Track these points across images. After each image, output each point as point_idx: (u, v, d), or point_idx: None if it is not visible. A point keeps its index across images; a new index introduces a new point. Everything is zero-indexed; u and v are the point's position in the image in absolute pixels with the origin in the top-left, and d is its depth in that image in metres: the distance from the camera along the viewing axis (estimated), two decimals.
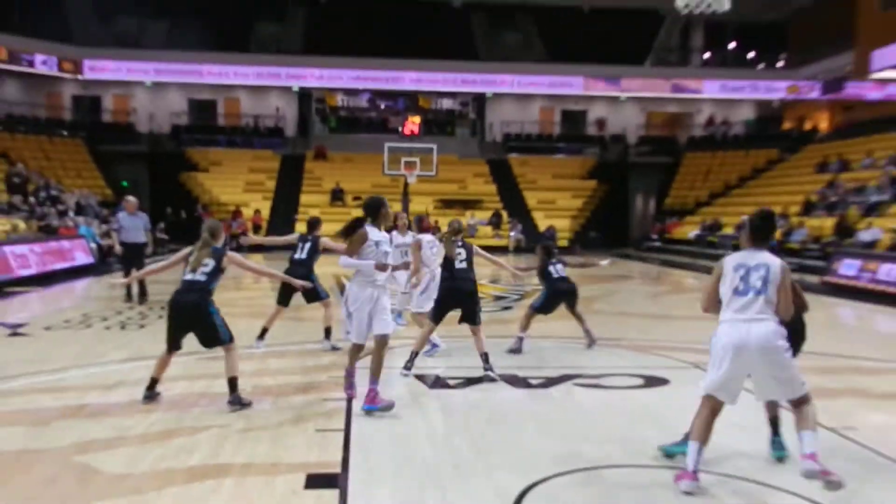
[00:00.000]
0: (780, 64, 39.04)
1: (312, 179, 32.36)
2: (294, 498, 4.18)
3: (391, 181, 29.02)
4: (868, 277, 15.33)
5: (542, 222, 30.51)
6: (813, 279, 17.31)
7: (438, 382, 7.15)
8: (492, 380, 7.18)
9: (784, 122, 39.24)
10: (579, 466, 4.80)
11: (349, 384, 6.24)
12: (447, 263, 7.62)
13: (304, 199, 30.64)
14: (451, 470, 4.77)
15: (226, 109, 36.01)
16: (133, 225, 12.81)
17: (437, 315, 7.65)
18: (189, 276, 6.11)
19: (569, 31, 36.58)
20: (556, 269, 9.13)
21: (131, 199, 13.28)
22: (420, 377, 7.30)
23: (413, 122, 31.56)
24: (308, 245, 8.72)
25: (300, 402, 6.34)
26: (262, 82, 34.96)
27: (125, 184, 30.43)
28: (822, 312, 13.43)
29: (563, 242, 27.92)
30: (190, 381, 6.87)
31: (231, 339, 6.16)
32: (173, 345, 6.19)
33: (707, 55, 40.08)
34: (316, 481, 4.49)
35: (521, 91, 36.17)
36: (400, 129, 32.30)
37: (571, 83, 35.91)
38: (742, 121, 37.63)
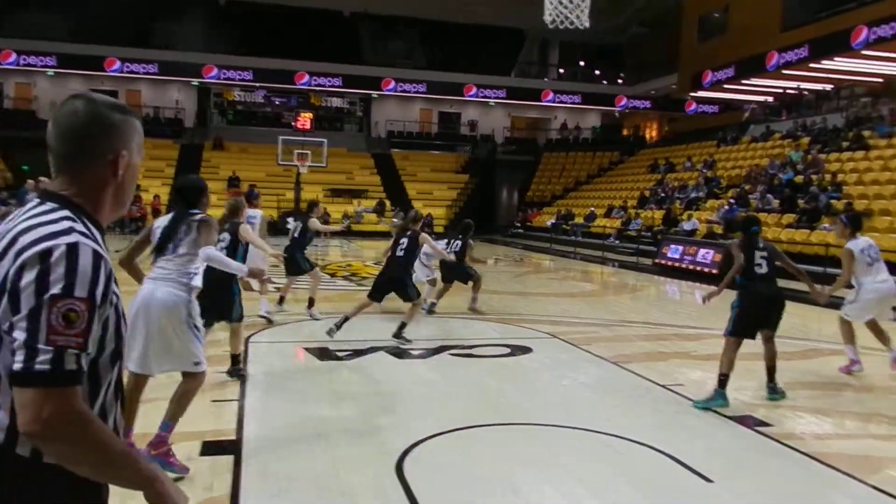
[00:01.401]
0: (619, 81, 40.63)
1: (210, 168, 30.91)
2: (190, 463, 3.91)
3: (284, 170, 28.25)
4: (689, 260, 16.21)
5: (422, 211, 30.07)
6: (646, 261, 18.18)
7: (328, 355, 6.97)
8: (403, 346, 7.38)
9: (623, 130, 40.99)
10: (455, 426, 4.78)
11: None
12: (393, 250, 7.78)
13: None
14: (340, 434, 4.62)
15: (127, 100, 33.76)
16: None
17: (374, 294, 7.75)
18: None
19: (447, 43, 36.70)
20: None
21: (44, 179, 12.05)
22: (310, 350, 7.07)
23: (305, 118, 30.68)
24: (300, 226, 9.04)
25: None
26: (162, 76, 33.05)
27: (26, 168, 28.04)
28: (654, 289, 14.14)
29: (440, 229, 28.02)
30: None
31: (241, 318, 5.77)
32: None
33: (561, 70, 41.20)
34: (211, 448, 4.23)
35: (403, 94, 35.95)
36: (293, 123, 31.39)
37: (447, 88, 36.00)
38: (590, 127, 38.94)
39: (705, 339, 8.43)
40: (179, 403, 3.97)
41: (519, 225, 31.54)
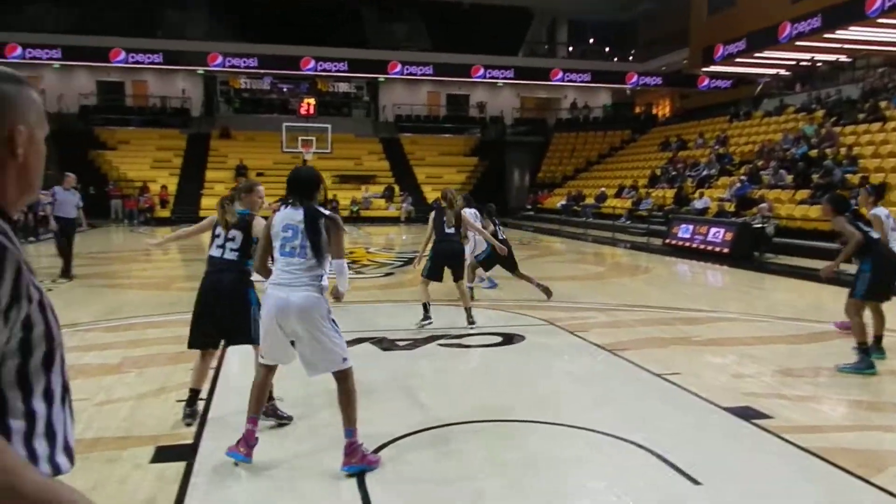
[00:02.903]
0: (630, 58, 39.83)
1: (218, 157, 30.75)
2: (135, 473, 3.63)
3: (292, 157, 27.94)
4: (700, 239, 15.76)
5: (431, 195, 30.07)
6: (657, 241, 17.73)
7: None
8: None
9: (635, 108, 40.23)
10: (429, 425, 4.47)
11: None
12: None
13: (209, 175, 29.05)
14: (303, 434, 4.33)
15: (133, 91, 33.68)
16: (67, 199, 11.33)
17: (434, 274, 7.71)
18: (215, 253, 4.47)
19: (452, 24, 36.10)
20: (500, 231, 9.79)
21: (71, 175, 11.89)
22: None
23: (308, 104, 30.40)
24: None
25: (167, 371, 5.61)
26: (168, 66, 32.83)
27: None
28: (661, 270, 13.71)
29: None
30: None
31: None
32: (204, 342, 4.53)
33: (570, 49, 40.46)
34: (165, 454, 3.93)
35: (410, 76, 35.47)
36: (297, 109, 31.17)
37: (455, 70, 35.48)
38: (601, 106, 38.26)
39: (710, 322, 8.07)
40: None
41: (529, 207, 31.10)
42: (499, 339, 7.10)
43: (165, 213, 26.35)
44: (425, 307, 7.57)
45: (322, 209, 3.80)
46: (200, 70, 33.39)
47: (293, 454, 4.02)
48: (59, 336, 1.34)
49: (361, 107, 37.67)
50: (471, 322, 7.58)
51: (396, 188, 30.17)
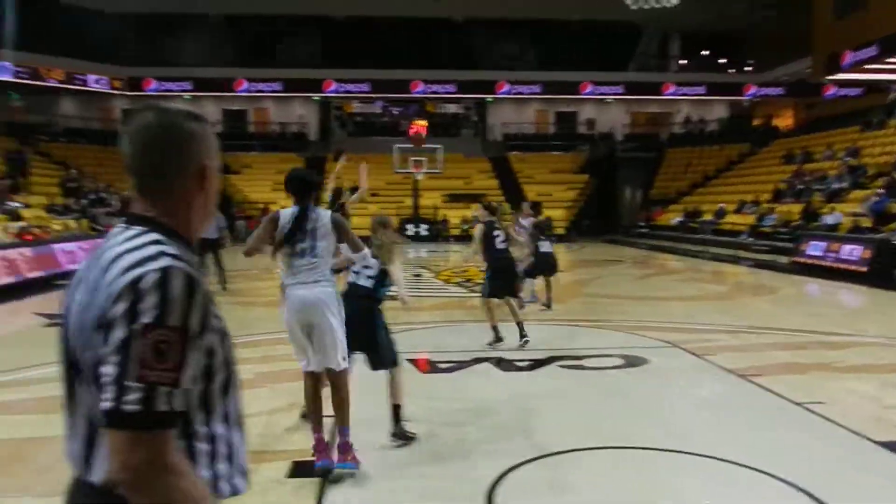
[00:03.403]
0: (747, 69, 38.16)
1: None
2: (276, 487, 3.76)
3: (403, 178, 28.63)
4: (832, 257, 14.78)
5: (542, 213, 29.97)
6: (783, 260, 16.79)
7: (430, 366, 6.73)
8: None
9: (753, 119, 38.43)
10: (551, 450, 4.37)
11: None
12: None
13: (326, 196, 30.14)
14: (428, 457, 4.33)
15: (255, 118, 35.63)
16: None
17: (500, 293, 7.53)
18: (351, 278, 4.61)
19: (560, 41, 35.92)
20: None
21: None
22: (412, 361, 6.80)
23: (419, 126, 31.05)
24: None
25: (296, 387, 5.77)
26: (287, 93, 34.54)
27: None
28: (791, 290, 12.93)
29: (560, 231, 27.39)
30: None
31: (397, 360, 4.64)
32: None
33: (683, 62, 39.27)
34: (301, 470, 4.03)
35: (517, 95, 35.56)
36: (407, 131, 32.04)
37: (563, 87, 35.27)
38: (716, 119, 36.83)
39: (850, 346, 7.51)
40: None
41: (643, 224, 30.26)
42: (620, 361, 6.90)
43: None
44: (495, 329, 7.37)
45: (319, 209, 4.04)
46: (316, 96, 34.90)
47: (421, 469, 4.03)
48: (235, 362, 1.40)
49: (469, 127, 38.10)
50: (523, 336, 7.34)
51: (506, 206, 30.16)
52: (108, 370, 1.18)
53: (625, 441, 4.54)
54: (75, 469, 1.30)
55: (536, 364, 6.79)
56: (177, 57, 35.14)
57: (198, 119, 1.39)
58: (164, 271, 1.21)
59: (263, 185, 31.30)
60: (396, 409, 4.56)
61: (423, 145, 28.53)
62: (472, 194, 31.25)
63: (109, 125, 33.78)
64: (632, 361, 6.85)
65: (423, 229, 28.05)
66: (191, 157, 1.35)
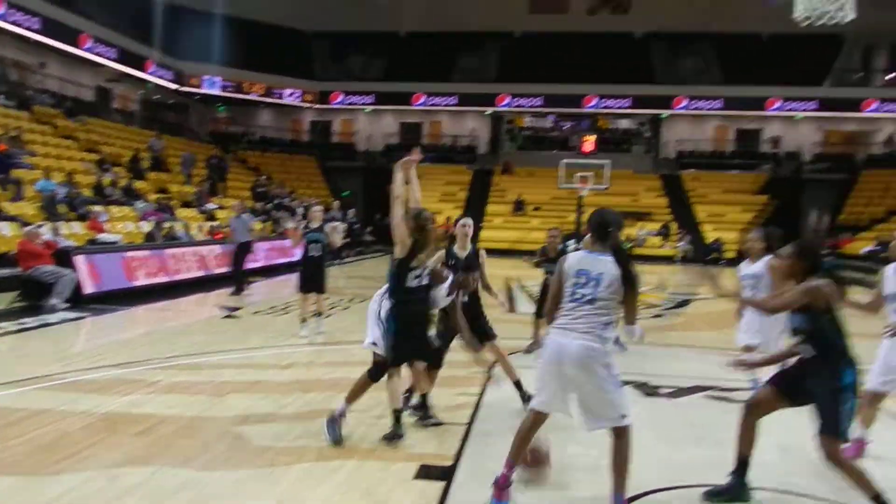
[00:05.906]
0: None
1: (498, 192, 32.42)
2: (402, 485, 4.00)
3: (567, 193, 28.42)
4: None
5: (711, 234, 28.53)
6: None
7: None
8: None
9: None
10: (682, 482, 4.26)
11: None
12: None
13: (489, 209, 30.76)
14: (554, 477, 4.38)
15: (429, 130, 37.05)
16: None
17: None
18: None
19: (747, 55, 33.93)
20: None
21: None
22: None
23: (588, 141, 30.75)
24: None
25: (433, 394, 6.02)
26: (461, 108, 35.65)
27: (346, 193, 32.13)
28: None
29: (731, 254, 25.91)
30: (351, 367, 6.82)
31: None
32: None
33: (891, 76, 35.54)
34: (427, 472, 4.26)
35: (696, 111, 34.12)
36: (578, 146, 31.79)
37: (747, 103, 33.34)
38: None
39: None
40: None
41: (828, 252, 27.77)
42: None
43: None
44: None
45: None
46: (489, 110, 35.67)
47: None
48: None
49: (641, 143, 37.08)
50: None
51: (673, 226, 29.04)
52: None
53: (776, 481, 4.32)
54: None
55: (679, 392, 6.57)
56: (362, 72, 37.47)
57: None
58: None
59: (431, 196, 32.40)
60: (397, 413, 4.83)
61: (590, 160, 28.21)
62: (638, 212, 30.41)
63: (298, 136, 36.85)
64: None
65: None
66: None
